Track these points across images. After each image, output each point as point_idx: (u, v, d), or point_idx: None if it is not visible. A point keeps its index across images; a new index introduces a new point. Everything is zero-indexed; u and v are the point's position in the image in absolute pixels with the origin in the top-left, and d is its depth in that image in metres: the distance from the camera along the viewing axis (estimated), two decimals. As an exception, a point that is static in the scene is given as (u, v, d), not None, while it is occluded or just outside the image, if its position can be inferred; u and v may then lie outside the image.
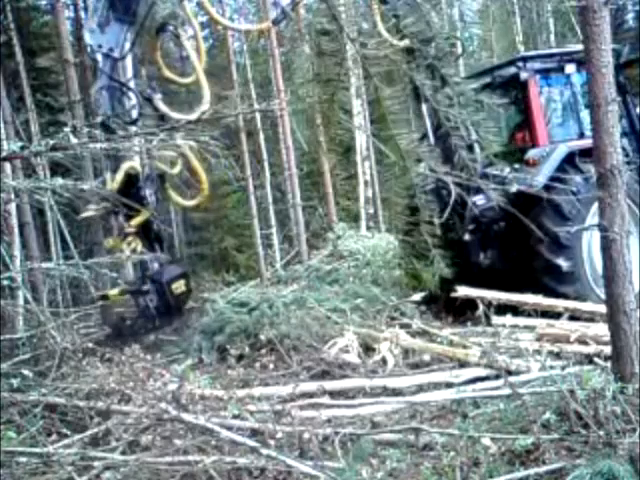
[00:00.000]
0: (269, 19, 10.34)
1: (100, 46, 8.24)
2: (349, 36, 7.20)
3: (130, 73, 8.35)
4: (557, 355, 6.61)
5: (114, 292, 8.52)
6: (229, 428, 5.07)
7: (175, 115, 8.17)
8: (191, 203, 9.58)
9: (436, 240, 8.20)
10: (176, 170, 8.92)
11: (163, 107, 7.92)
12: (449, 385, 6.32)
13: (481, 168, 9.06)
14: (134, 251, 8.07)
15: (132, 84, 8.40)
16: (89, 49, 8.41)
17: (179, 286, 8.39)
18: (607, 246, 4.83)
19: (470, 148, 9.10)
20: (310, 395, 6.32)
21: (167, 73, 8.75)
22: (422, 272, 8.63)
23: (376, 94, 8.12)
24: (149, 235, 8.44)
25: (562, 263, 8.36)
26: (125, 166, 8.21)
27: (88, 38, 8.37)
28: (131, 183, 8.24)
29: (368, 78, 8.33)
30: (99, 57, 8.20)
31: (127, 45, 8.31)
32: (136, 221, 8.24)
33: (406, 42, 8.19)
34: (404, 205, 9.40)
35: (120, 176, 8.15)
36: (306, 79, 15.49)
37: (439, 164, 7.85)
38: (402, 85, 8.51)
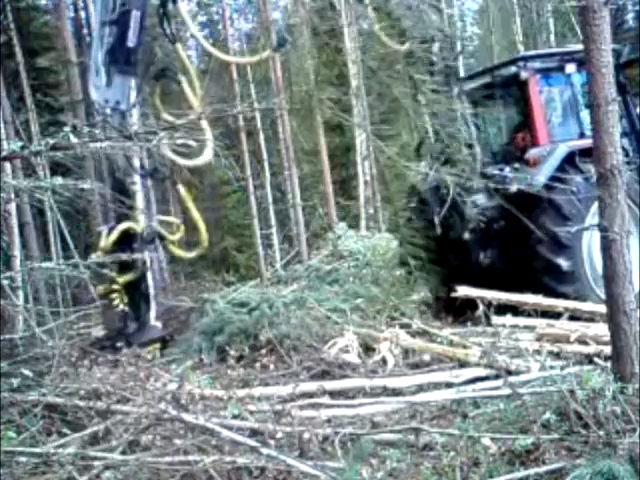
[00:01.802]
0: (271, 47, 10.50)
1: (107, 101, 8.35)
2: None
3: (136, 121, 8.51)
4: (557, 355, 6.60)
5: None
6: (229, 428, 5.06)
7: (183, 162, 8.42)
8: (191, 255, 9.89)
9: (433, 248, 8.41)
10: (177, 236, 9.13)
11: (170, 155, 8.01)
12: (449, 385, 6.31)
13: (481, 167, 9.08)
14: (117, 306, 8.40)
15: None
16: (96, 105, 8.49)
17: (152, 350, 8.46)
18: (607, 246, 4.82)
19: (470, 147, 9.12)
20: (310, 395, 6.31)
21: (166, 116, 8.86)
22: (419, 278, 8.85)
23: (404, 68, 8.17)
24: (135, 294, 8.58)
25: (562, 263, 8.35)
26: (122, 226, 8.39)
27: (94, 95, 8.49)
28: (126, 242, 8.39)
29: (392, 54, 8.39)
30: (107, 111, 8.31)
31: (133, 96, 8.45)
32: (123, 279, 8.42)
33: (407, 46, 8.22)
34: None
35: (115, 235, 8.32)
36: (305, 76, 15.50)
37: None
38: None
